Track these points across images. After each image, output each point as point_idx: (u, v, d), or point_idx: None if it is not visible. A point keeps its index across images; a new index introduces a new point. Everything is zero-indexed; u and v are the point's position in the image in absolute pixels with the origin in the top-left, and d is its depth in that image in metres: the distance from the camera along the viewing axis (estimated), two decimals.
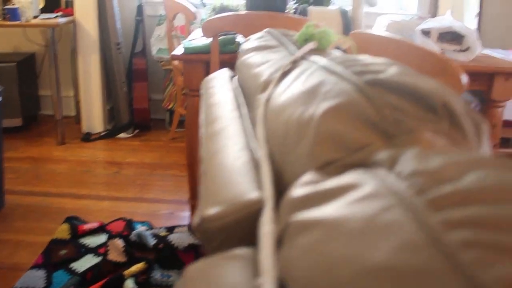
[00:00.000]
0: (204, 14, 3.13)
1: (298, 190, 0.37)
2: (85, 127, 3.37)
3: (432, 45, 2.10)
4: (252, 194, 0.46)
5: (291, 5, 2.57)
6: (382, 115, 0.45)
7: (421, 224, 0.27)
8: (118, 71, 3.31)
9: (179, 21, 3.08)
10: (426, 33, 2.15)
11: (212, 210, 0.45)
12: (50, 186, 2.56)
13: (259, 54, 0.87)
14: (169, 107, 3.38)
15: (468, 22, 3.43)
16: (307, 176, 0.40)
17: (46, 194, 2.46)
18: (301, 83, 0.55)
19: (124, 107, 3.38)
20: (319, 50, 0.77)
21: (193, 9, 2.68)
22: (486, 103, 2.15)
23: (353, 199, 0.31)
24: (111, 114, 3.50)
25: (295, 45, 0.82)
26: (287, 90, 0.57)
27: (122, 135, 3.32)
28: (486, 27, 3.49)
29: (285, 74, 0.65)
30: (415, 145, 0.42)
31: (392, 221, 0.27)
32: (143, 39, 3.43)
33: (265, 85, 0.65)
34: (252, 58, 0.86)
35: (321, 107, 0.47)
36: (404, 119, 0.45)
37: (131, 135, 3.34)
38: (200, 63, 1.96)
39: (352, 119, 0.45)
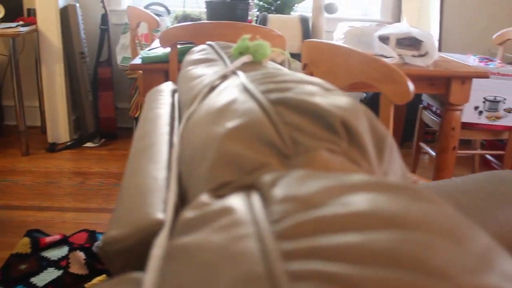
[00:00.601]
0: (169, 22, 3.13)
1: (186, 213, 0.38)
2: (50, 137, 3.33)
3: (390, 51, 2.13)
4: (156, 215, 0.46)
5: (254, 13, 2.58)
6: (280, 135, 0.46)
7: (264, 255, 0.27)
8: (83, 81, 3.28)
9: (144, 29, 3.07)
10: (385, 39, 2.18)
11: (113, 232, 0.45)
12: (13, 198, 2.52)
13: (198, 67, 0.87)
14: (136, 115, 3.36)
15: (433, 27, 3.49)
16: (199, 199, 0.40)
17: (8, 207, 2.42)
18: (217, 101, 0.56)
19: (90, 116, 3.35)
20: (253, 64, 0.78)
21: (157, 17, 2.67)
22: (445, 106, 2.19)
23: (220, 225, 0.31)
24: (77, 123, 3.46)
25: (230, 59, 0.82)
26: (206, 107, 0.57)
27: (88, 144, 3.29)
28: (447, 31, 3.56)
29: (212, 89, 0.66)
30: (311, 165, 0.42)
31: (242, 251, 0.27)
32: (108, 48, 3.41)
33: (192, 101, 0.65)
34: (191, 71, 0.87)
35: (223, 127, 0.48)
36: (302, 138, 0.45)
37: (97, 144, 3.31)
38: (159, 72, 1.96)
39: (251, 139, 0.46)
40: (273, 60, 0.84)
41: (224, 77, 0.70)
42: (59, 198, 2.53)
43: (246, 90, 0.55)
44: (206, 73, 0.81)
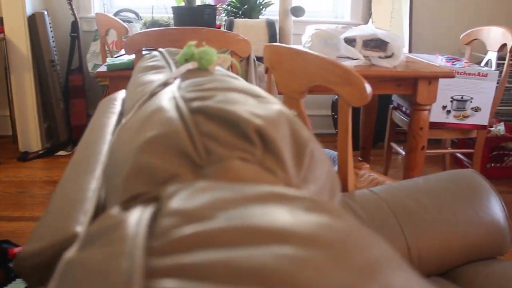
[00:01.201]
0: (139, 28, 3.11)
1: (90, 227, 0.37)
2: (21, 147, 3.29)
3: (356, 53, 2.15)
4: (73, 228, 0.46)
5: (222, 18, 2.58)
6: (194, 144, 0.45)
7: (129, 274, 0.26)
8: (53, 89, 3.25)
9: (114, 36, 3.06)
10: (351, 41, 2.19)
11: (29, 247, 0.45)
12: None
13: (146, 74, 0.87)
14: None
15: (406, 29, 3.53)
16: (107, 212, 0.40)
17: None
18: (146, 109, 0.55)
19: (62, 124, 3.32)
20: (199, 71, 0.77)
21: (127, 23, 2.66)
22: (413, 107, 2.21)
23: (107, 241, 0.31)
24: (48, 132, 3.43)
25: (177, 66, 0.82)
26: (137, 116, 0.57)
27: (60, 152, 3.26)
28: (417, 32, 3.60)
29: (150, 97, 0.65)
30: (223, 175, 0.42)
31: (112, 269, 0.27)
32: (79, 56, 3.38)
33: (131, 109, 0.65)
34: (139, 79, 0.86)
35: (141, 138, 0.48)
36: (216, 148, 0.45)
37: (70, 152, 3.28)
38: (126, 79, 1.94)
39: (165, 150, 0.46)
40: (221, 66, 0.84)
41: (165, 85, 0.70)
42: (30, 208, 2.50)
43: (173, 98, 0.55)
44: (152, 80, 0.80)
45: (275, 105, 0.54)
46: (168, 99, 0.56)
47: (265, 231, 0.29)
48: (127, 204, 0.43)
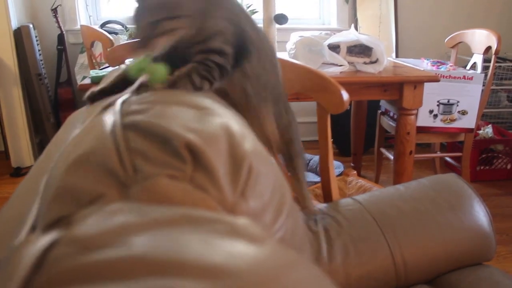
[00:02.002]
0: (126, 40, 3.11)
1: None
2: (14, 162, 3.27)
3: (341, 59, 2.15)
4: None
5: None
6: (122, 162, 0.44)
7: None
8: (42, 103, 3.24)
9: (99, 48, 3.05)
10: (336, 47, 2.20)
11: None
12: None
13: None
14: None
15: (393, 33, 3.54)
16: (25, 237, 0.39)
17: None
18: (88, 125, 0.54)
19: None
20: (149, 86, 0.75)
21: (114, 35, 2.66)
22: (399, 111, 2.21)
23: (4, 273, 0.30)
24: (40, 146, 3.41)
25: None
26: (80, 133, 0.56)
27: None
28: (402, 37, 3.61)
29: (103, 110, 0.64)
30: (149, 194, 0.41)
31: None
32: (67, 68, 3.38)
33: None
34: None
35: (72, 156, 0.47)
36: (144, 165, 0.44)
37: None
38: None
39: (92, 169, 0.44)
40: None
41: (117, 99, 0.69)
42: None
43: (114, 112, 0.54)
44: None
45: (217, 118, 0.52)
46: (110, 114, 0.55)
47: (161, 262, 0.27)
48: (49, 227, 0.41)
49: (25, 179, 0.63)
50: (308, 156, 3.03)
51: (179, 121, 0.49)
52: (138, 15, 0.74)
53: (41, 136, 3.36)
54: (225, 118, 0.53)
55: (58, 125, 3.34)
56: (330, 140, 1.34)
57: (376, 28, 3.53)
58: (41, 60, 3.26)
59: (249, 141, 0.53)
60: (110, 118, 0.52)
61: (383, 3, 3.53)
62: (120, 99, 0.59)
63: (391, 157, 2.72)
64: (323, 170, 1.38)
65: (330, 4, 3.61)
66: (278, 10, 2.38)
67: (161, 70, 0.76)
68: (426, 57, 2.95)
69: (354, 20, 3.51)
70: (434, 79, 2.18)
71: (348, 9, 3.53)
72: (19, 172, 3.18)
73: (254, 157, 0.52)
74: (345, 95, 1.23)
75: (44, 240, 0.33)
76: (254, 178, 0.51)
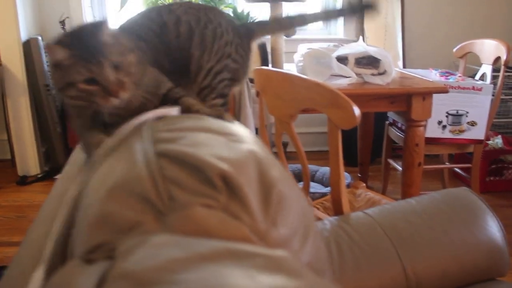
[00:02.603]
0: None
1: (52, 278, 0.36)
2: (20, 171, 3.29)
3: (349, 71, 2.15)
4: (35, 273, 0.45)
5: None
6: (158, 190, 0.45)
7: None
8: (49, 112, 3.26)
9: None
10: (344, 59, 2.19)
11: None
12: None
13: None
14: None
15: (400, 44, 3.54)
16: (67, 264, 0.39)
17: None
18: (117, 150, 0.55)
19: (60, 147, 3.32)
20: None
21: None
22: (407, 123, 2.20)
23: None
24: (47, 155, 3.43)
25: None
26: (106, 158, 0.56)
27: (59, 176, 3.25)
28: (409, 47, 3.60)
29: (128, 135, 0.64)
30: (186, 223, 0.41)
31: None
32: None
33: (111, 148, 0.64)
34: None
35: (107, 183, 0.47)
36: (179, 194, 0.44)
37: None
38: None
39: (129, 196, 0.45)
40: None
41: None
42: None
43: (142, 139, 0.54)
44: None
45: (244, 144, 0.53)
46: (138, 140, 0.55)
47: None
48: (89, 255, 0.42)
49: (47, 200, 0.63)
50: (313, 167, 3.02)
51: (210, 150, 0.49)
52: None
53: (47, 145, 3.37)
54: (250, 143, 0.53)
55: (64, 134, 3.35)
56: (341, 155, 1.33)
57: (382, 38, 3.53)
58: (49, 71, 3.27)
59: (276, 168, 0.53)
60: (140, 145, 0.52)
61: (389, 12, 3.53)
62: (145, 127, 0.59)
63: (399, 168, 2.71)
64: (334, 184, 1.37)
65: None
66: None
67: None
68: (433, 67, 2.94)
69: (361, 31, 3.50)
70: (443, 90, 2.17)
71: (355, 20, 3.53)
72: (25, 181, 3.19)
73: (282, 183, 0.52)
74: (357, 111, 1.22)
75: (93, 273, 0.33)
76: (283, 205, 0.52)
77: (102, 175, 0.51)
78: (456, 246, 1.18)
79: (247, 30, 0.94)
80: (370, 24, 3.49)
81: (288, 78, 1.33)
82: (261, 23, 1.03)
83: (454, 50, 2.87)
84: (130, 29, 0.86)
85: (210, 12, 0.90)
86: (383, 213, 1.29)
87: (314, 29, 3.63)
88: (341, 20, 3.57)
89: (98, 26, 0.74)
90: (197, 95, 0.87)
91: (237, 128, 0.59)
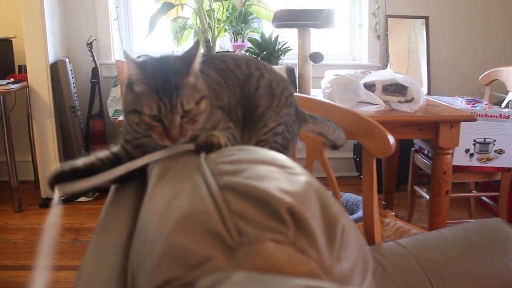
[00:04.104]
0: None
1: None
2: (43, 193, 3.31)
3: (376, 98, 2.14)
4: None
5: None
6: (226, 225, 0.44)
7: None
8: (74, 135, 3.29)
9: None
10: (371, 86, 2.19)
11: None
12: (4, 258, 2.47)
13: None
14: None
15: (423, 70, 3.53)
16: None
17: None
18: (174, 180, 0.54)
19: None
20: None
21: None
22: (435, 151, 2.18)
23: None
24: None
25: None
26: (164, 186, 0.56)
27: (82, 199, 3.27)
28: (434, 74, 3.59)
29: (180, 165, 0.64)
30: (256, 259, 0.41)
31: None
32: (100, 101, 3.43)
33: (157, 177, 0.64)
34: None
35: (172, 216, 0.47)
36: (248, 228, 0.44)
37: (91, 198, 3.29)
38: None
39: (196, 231, 0.44)
40: None
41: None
42: (52, 256, 2.48)
43: (200, 171, 0.54)
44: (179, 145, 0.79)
45: (302, 176, 0.53)
46: (196, 171, 0.55)
47: None
48: None
49: (99, 228, 0.62)
50: None
51: (274, 183, 0.49)
52: None
53: None
54: (306, 175, 0.53)
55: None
56: (375, 184, 1.32)
57: (405, 63, 3.52)
58: (75, 93, 3.32)
59: (334, 200, 0.53)
60: (201, 177, 0.52)
61: (412, 37, 3.53)
62: (201, 157, 0.59)
63: (425, 195, 2.68)
64: (367, 213, 1.36)
65: (362, 40, 3.62)
66: (312, 48, 2.40)
67: None
68: (456, 93, 2.92)
69: (386, 56, 3.50)
70: (471, 118, 2.15)
71: (379, 45, 3.53)
72: (48, 203, 3.21)
73: (344, 217, 0.52)
74: (392, 140, 1.22)
75: None
76: (347, 240, 0.51)
77: (161, 205, 0.51)
78: (491, 279, 1.16)
79: (302, 115, 1.03)
80: (393, 48, 3.50)
81: (323, 105, 1.33)
82: (314, 119, 1.10)
83: (480, 77, 2.85)
84: (219, 70, 0.89)
85: (286, 82, 0.98)
86: (416, 243, 1.27)
87: (338, 54, 3.64)
88: (365, 45, 3.57)
89: (185, 64, 0.74)
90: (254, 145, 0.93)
91: (287, 159, 0.59)
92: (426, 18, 3.54)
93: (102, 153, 0.83)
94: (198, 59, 0.76)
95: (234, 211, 0.45)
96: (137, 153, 0.82)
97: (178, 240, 0.44)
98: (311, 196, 0.49)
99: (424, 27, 3.55)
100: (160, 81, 0.72)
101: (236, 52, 2.56)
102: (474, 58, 3.64)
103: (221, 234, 0.44)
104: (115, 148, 0.85)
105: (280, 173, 0.52)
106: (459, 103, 2.59)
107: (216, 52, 2.43)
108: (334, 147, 1.21)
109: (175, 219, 0.46)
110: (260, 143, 0.92)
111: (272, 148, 0.93)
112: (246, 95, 0.89)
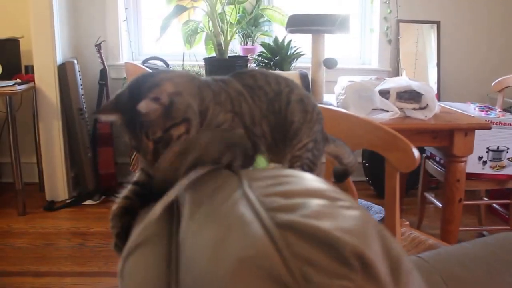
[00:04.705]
0: None
1: None
2: (48, 195, 3.28)
3: (391, 105, 2.11)
4: None
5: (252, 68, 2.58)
6: (291, 271, 0.41)
7: None
8: (81, 137, 3.26)
9: None
10: (385, 93, 2.16)
11: None
12: (8, 263, 2.44)
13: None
14: (136, 171, 3.31)
15: (431, 73, 3.50)
16: None
17: (3, 273, 2.34)
18: (217, 214, 0.51)
19: (89, 173, 3.31)
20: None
21: None
22: (449, 158, 2.16)
23: None
24: (76, 180, 3.41)
25: None
26: (204, 218, 0.53)
27: (88, 202, 3.24)
28: (445, 80, 3.56)
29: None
30: None
31: None
32: None
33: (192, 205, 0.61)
34: None
35: (226, 259, 0.43)
36: (314, 274, 0.41)
37: (97, 201, 3.25)
38: None
39: (259, 277, 0.41)
40: None
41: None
42: (57, 262, 2.46)
43: (249, 203, 0.51)
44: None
45: (355, 210, 0.50)
46: (244, 203, 0.52)
47: None
48: None
49: (136, 267, 0.59)
50: None
51: (335, 222, 0.46)
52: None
53: (77, 170, 3.36)
54: (359, 209, 0.50)
55: (95, 159, 3.34)
56: (398, 198, 1.29)
57: (411, 67, 3.49)
58: (83, 95, 3.28)
59: (393, 238, 0.50)
60: (252, 212, 0.49)
61: (419, 41, 3.50)
62: (245, 185, 0.55)
63: (436, 202, 2.66)
64: (389, 227, 1.33)
65: (372, 44, 3.59)
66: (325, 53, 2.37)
67: (262, 162, 0.76)
68: (467, 99, 2.90)
69: (396, 61, 3.47)
70: (486, 126, 2.13)
71: (390, 49, 3.50)
72: (53, 206, 3.17)
73: (405, 257, 0.49)
74: (416, 153, 1.19)
75: None
76: (411, 281, 0.48)
77: (210, 241, 0.48)
78: None
79: (325, 135, 1.02)
80: (402, 52, 3.47)
81: (346, 117, 1.30)
82: (334, 140, 1.08)
83: (493, 84, 2.82)
84: (247, 86, 0.87)
85: (314, 100, 0.97)
86: (439, 258, 1.25)
87: (348, 58, 3.60)
88: (376, 49, 3.55)
89: (147, 88, 0.73)
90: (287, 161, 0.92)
91: (333, 189, 0.56)
92: (438, 23, 3.51)
93: (126, 191, 0.81)
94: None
95: (298, 254, 0.42)
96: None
97: (236, 285, 0.41)
98: (372, 234, 0.47)
99: (432, 31, 3.52)
100: (126, 112, 0.75)
101: (248, 57, 2.53)
102: (484, 64, 3.61)
103: (285, 281, 0.41)
104: (136, 176, 0.83)
105: (333, 208, 0.49)
106: (472, 110, 2.56)
107: (229, 56, 2.40)
108: (344, 174, 1.17)
109: (231, 262, 0.43)
110: (294, 159, 0.90)
111: (303, 164, 0.91)
112: (277, 111, 0.86)
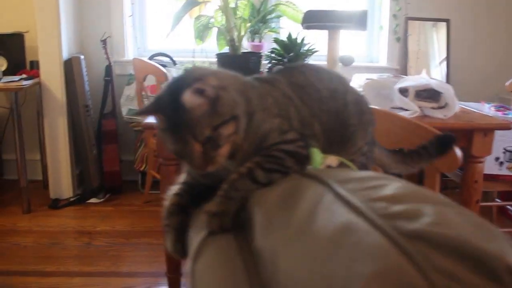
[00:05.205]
0: (175, 73, 3.07)
1: None
2: (53, 193, 3.21)
3: (411, 104, 2.07)
4: None
5: (265, 65, 2.53)
6: (432, 285, 0.37)
7: None
8: (87, 134, 3.20)
9: (149, 80, 3.00)
10: (403, 91, 2.12)
11: None
12: (13, 263, 2.38)
13: None
14: (141, 169, 3.26)
15: (436, 72, 3.46)
16: None
17: (9, 273, 2.29)
18: (319, 223, 0.46)
19: (94, 170, 3.25)
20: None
21: (163, 69, 2.60)
22: (467, 159, 2.11)
23: None
24: (80, 178, 3.35)
25: None
26: (298, 225, 0.48)
27: (92, 200, 3.18)
28: (454, 79, 3.52)
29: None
30: None
31: None
32: (113, 100, 3.34)
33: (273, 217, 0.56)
34: None
35: (350, 276, 0.39)
36: None
37: (102, 200, 3.20)
38: None
39: None
40: (329, 166, 0.76)
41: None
42: (64, 261, 2.40)
43: (354, 210, 0.46)
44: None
45: (477, 218, 0.45)
46: (343, 209, 0.47)
47: None
48: None
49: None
50: None
51: (470, 232, 0.41)
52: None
53: (81, 168, 3.30)
54: (473, 215, 0.45)
55: (100, 157, 3.28)
56: None
57: (421, 64, 3.45)
58: (88, 91, 3.22)
59: None
60: (361, 218, 0.44)
61: (421, 39, 3.47)
62: (337, 188, 0.50)
63: None
64: None
65: (380, 42, 3.55)
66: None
67: (318, 155, 0.71)
68: (477, 98, 2.86)
69: (405, 59, 3.43)
70: (506, 127, 2.09)
71: (398, 47, 3.46)
72: (57, 204, 3.11)
73: None
74: (459, 152, 1.15)
75: None
76: None
77: (315, 255, 0.43)
78: None
79: (373, 140, 0.98)
80: (411, 50, 3.43)
81: (383, 114, 1.25)
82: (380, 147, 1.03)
83: (507, 83, 2.78)
84: (295, 84, 0.80)
85: (367, 102, 0.94)
86: None
87: (356, 56, 3.55)
88: (384, 47, 3.51)
89: (188, 83, 0.67)
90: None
91: (438, 194, 0.52)
92: (447, 21, 3.47)
93: (176, 188, 0.76)
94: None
95: (439, 269, 0.37)
96: (206, 181, 0.75)
97: None
98: (510, 245, 0.42)
99: (435, 29, 3.49)
100: (167, 114, 0.68)
101: (261, 53, 2.48)
102: (495, 63, 3.57)
103: None
104: (183, 177, 0.79)
105: (453, 214, 0.44)
106: (487, 109, 2.52)
107: (242, 52, 2.35)
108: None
109: (358, 279, 0.38)
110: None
111: (358, 168, 0.85)
112: (333, 112, 0.80)
